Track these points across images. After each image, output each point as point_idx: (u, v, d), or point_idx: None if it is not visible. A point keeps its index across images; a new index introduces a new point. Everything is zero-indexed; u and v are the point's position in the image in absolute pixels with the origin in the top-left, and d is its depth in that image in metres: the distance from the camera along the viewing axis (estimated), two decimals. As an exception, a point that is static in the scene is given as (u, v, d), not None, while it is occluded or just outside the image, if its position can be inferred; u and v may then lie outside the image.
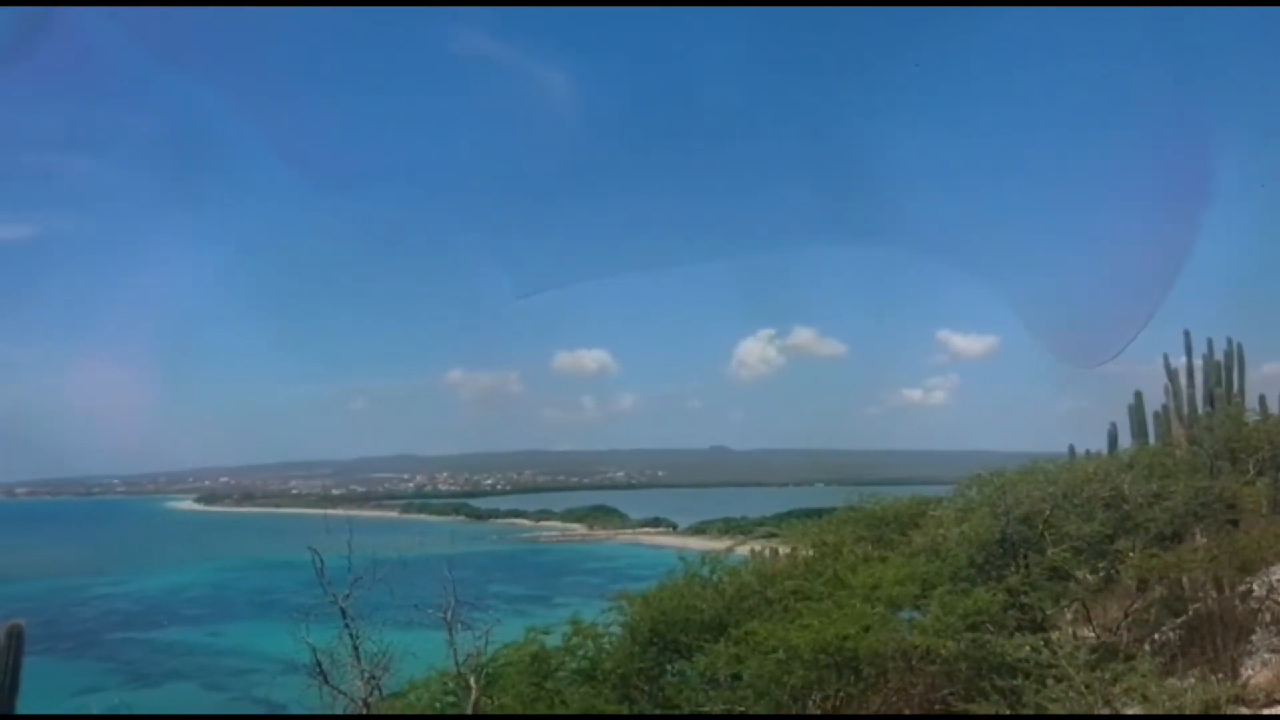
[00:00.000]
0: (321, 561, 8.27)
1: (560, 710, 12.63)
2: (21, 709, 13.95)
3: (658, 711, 13.37)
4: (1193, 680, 11.69)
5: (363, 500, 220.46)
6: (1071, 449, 26.22)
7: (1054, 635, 12.51)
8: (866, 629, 11.98)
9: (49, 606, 73.26)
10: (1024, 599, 13.67)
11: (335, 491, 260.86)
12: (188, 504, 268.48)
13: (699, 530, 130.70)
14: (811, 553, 17.36)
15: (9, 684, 12.51)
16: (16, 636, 12.68)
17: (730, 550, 17.41)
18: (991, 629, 12.32)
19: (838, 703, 12.46)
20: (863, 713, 12.36)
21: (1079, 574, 14.87)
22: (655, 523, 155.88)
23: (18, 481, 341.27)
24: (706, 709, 12.88)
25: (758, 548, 24.26)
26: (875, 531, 17.83)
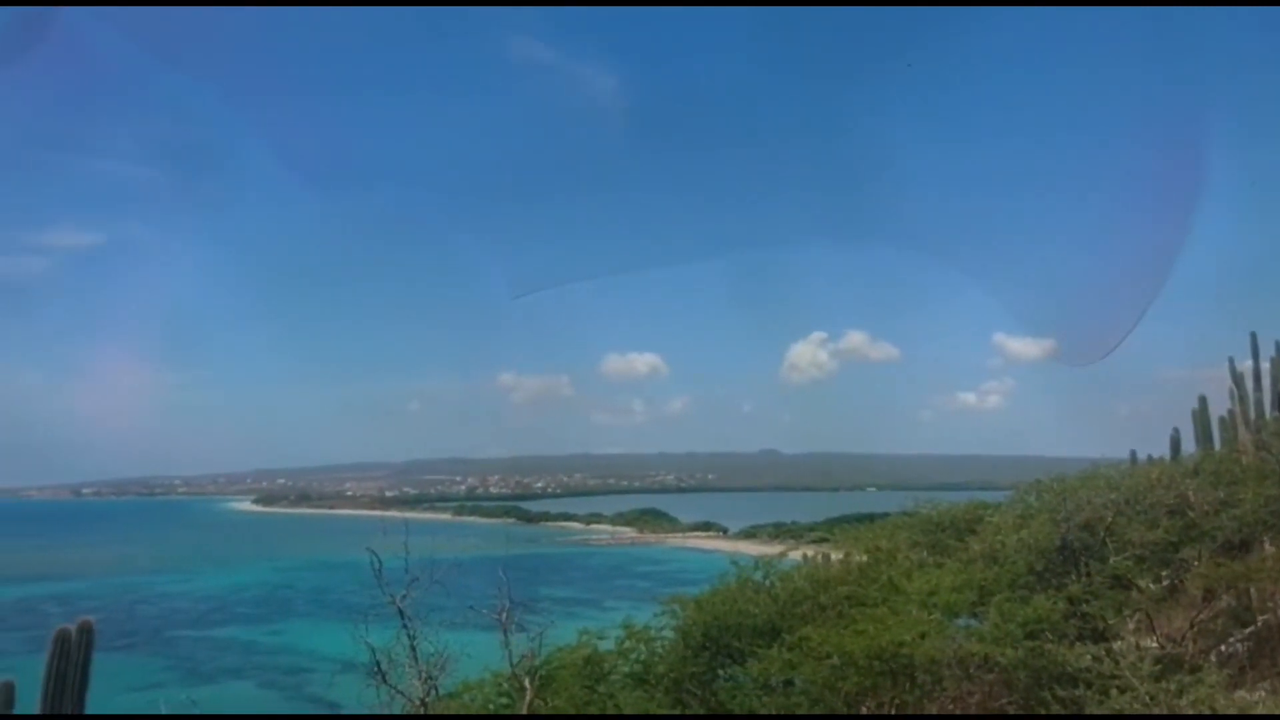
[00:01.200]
0: (379, 562, 8.37)
1: (613, 713, 12.64)
2: (89, 703, 14.37)
3: (709, 715, 13.33)
4: (1262, 693, 11.37)
5: (415, 502, 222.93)
6: (1133, 454, 25.62)
7: (1116, 645, 12.25)
8: (923, 636, 11.82)
9: (114, 604, 75.33)
10: (1085, 608, 13.40)
11: (388, 493, 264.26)
12: (246, 505, 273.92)
13: (749, 534, 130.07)
14: (865, 558, 17.18)
15: (80, 679, 12.88)
16: (87, 633, 13.05)
17: (783, 555, 17.25)
18: (1051, 638, 12.09)
19: (892, 710, 12.32)
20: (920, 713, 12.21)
21: (1142, 583, 14.56)
22: (705, 526, 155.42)
23: (84, 482, 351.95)
24: (760, 714, 12.82)
25: (810, 553, 24.10)
26: (930, 537, 17.62)
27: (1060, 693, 11.10)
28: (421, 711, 8.10)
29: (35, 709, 13.23)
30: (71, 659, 12.79)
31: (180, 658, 61.02)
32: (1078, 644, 12.17)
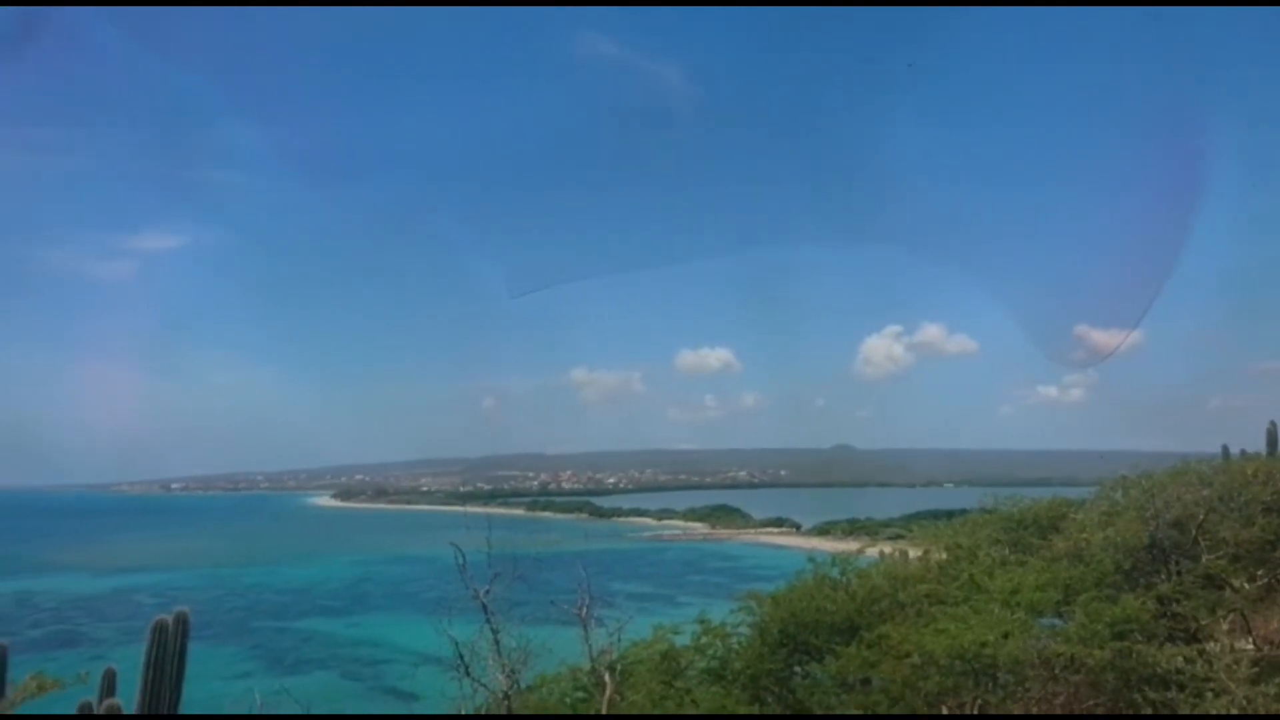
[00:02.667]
0: (463, 557, 8.52)
1: (690, 709, 12.65)
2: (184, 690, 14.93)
3: (787, 713, 13.27)
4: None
5: (489, 498, 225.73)
6: (1225, 449, 24.69)
7: (1210, 647, 11.81)
8: (1006, 635, 11.59)
9: (202, 595, 77.86)
10: (1176, 608, 13.01)
11: (463, 489, 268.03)
12: (325, 500, 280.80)
13: (823, 531, 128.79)
14: (945, 556, 16.91)
15: (177, 666, 13.36)
16: (183, 623, 13.53)
17: (861, 552, 17.08)
18: (1140, 638, 11.75)
19: (975, 710, 12.11)
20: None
21: (1236, 582, 14.05)
22: (778, 523, 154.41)
23: (173, 477, 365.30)
24: (838, 712, 12.72)
25: (887, 550, 23.78)
26: (1012, 535, 17.26)
27: (1151, 695, 10.78)
28: (506, 705, 8.22)
29: (134, 695, 13.79)
30: (168, 648, 13.28)
31: (266, 648, 62.83)
32: (1168, 645, 11.82)
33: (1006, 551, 16.48)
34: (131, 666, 15.28)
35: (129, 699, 14.25)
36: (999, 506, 18.85)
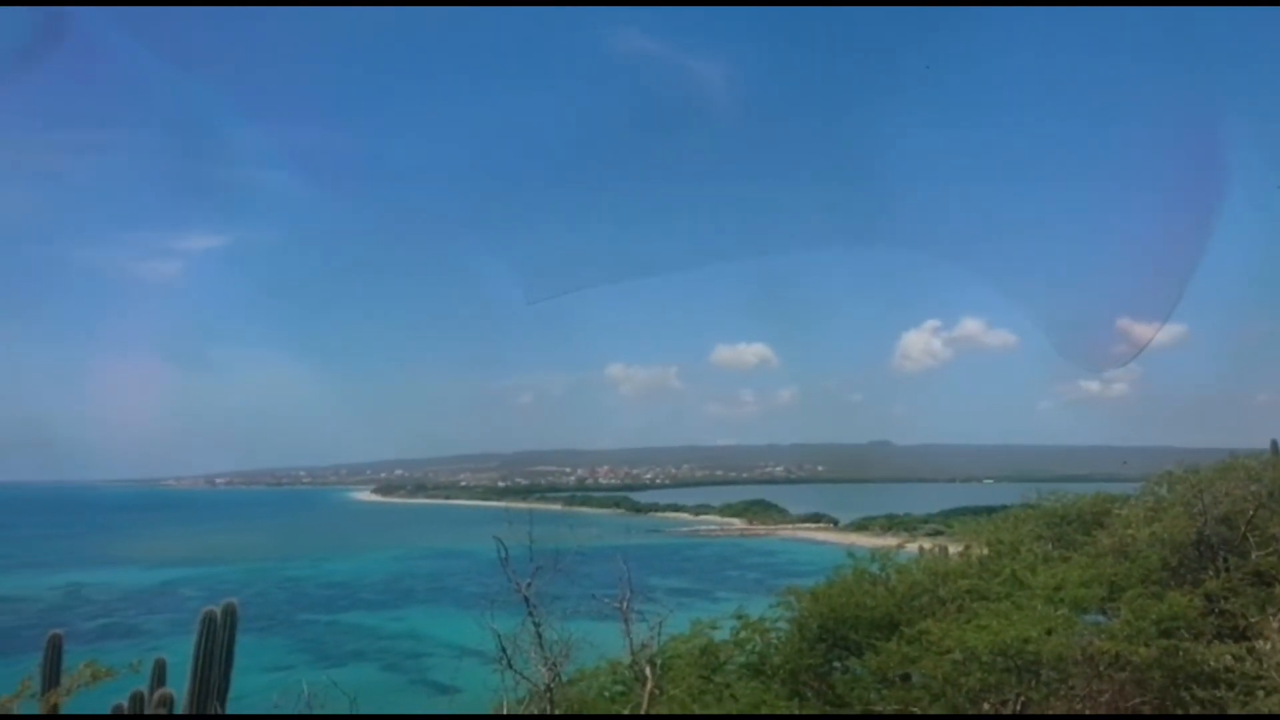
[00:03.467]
0: (505, 551, 8.62)
1: (729, 704, 12.67)
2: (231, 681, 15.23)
3: (827, 709, 13.23)
4: None
5: (526, 493, 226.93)
6: (1274, 444, 24.16)
7: (1259, 645, 11.61)
8: (1049, 632, 11.46)
9: (247, 588, 79.06)
10: (1224, 605, 12.79)
11: (501, 484, 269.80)
12: (366, 495, 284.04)
13: (861, 526, 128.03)
14: (986, 551, 16.75)
15: (225, 656, 13.65)
16: (231, 615, 13.81)
17: (900, 547, 16.98)
18: (1188, 636, 11.57)
19: (1017, 707, 12.00)
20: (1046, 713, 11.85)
21: (1287, 579, 13.76)
22: (815, 518, 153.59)
23: (217, 472, 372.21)
24: (878, 708, 12.67)
25: (926, 545, 23.60)
26: (1055, 530, 17.06)
27: (1199, 693, 10.62)
28: (547, 697, 8.30)
29: (184, 685, 14.10)
30: (217, 639, 13.56)
31: (309, 640, 63.72)
32: (1216, 643, 11.63)
33: (1049, 547, 16.30)
34: (181, 657, 15.63)
35: (179, 688, 14.58)
36: (1041, 502, 18.62)
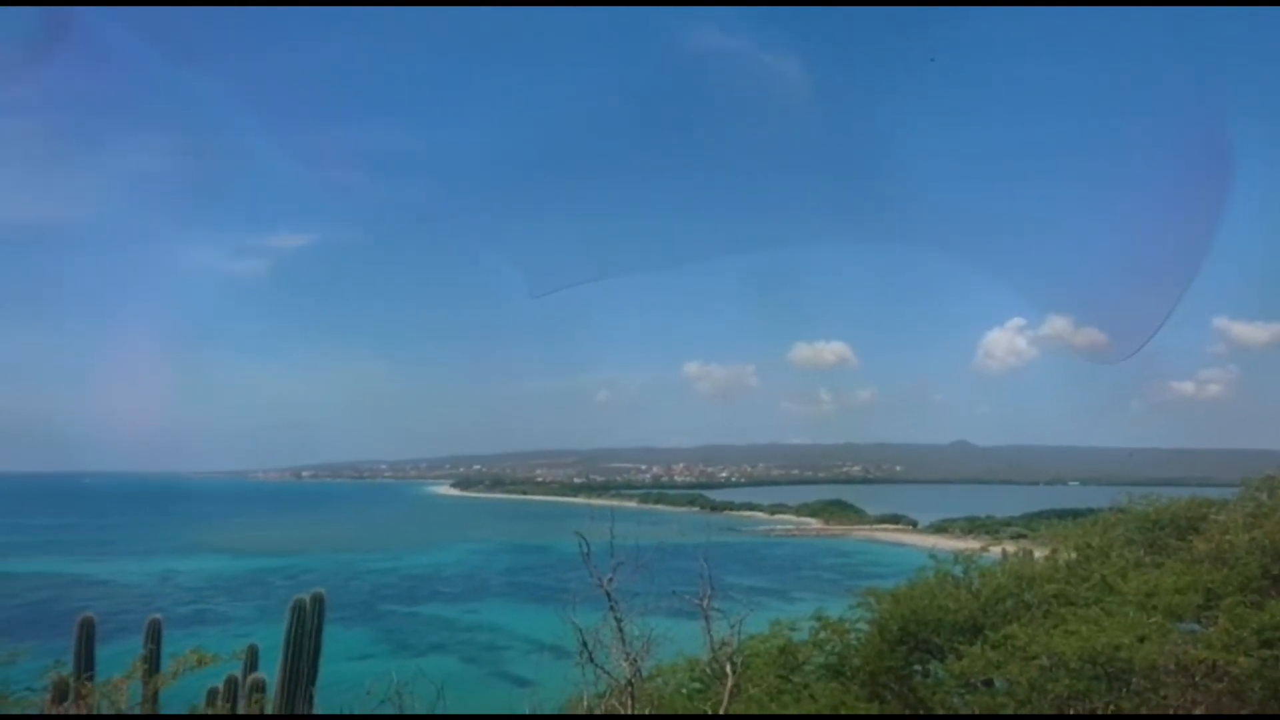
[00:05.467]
0: (588, 546, 8.73)
1: (808, 704, 12.60)
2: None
3: (908, 713, 13.06)
4: None
5: (602, 489, 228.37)
6: (1386, 448, 23.02)
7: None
8: (1141, 639, 11.10)
9: (330, 578, 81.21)
10: (1330, 616, 12.21)
11: (577, 480, 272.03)
12: (445, 489, 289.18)
13: (940, 528, 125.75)
14: (1074, 555, 16.30)
15: (314, 643, 14.10)
16: (319, 603, 14.25)
17: (984, 550, 16.64)
18: (1290, 647, 11.10)
19: (1106, 716, 11.67)
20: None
21: (1399, 591, 13.10)
22: (893, 519, 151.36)
23: (303, 465, 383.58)
24: (961, 713, 12.45)
25: (1010, 549, 23.09)
26: (1147, 535, 16.50)
27: (1302, 706, 10.19)
28: (629, 692, 8.37)
29: (275, 671, 14.61)
30: (307, 626, 14.02)
31: (389, 631, 65.12)
32: (1322, 655, 11.14)
33: (1141, 553, 15.77)
34: (269, 643, 16.18)
35: (270, 673, 15.10)
36: (1133, 506, 18.03)
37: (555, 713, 10.69)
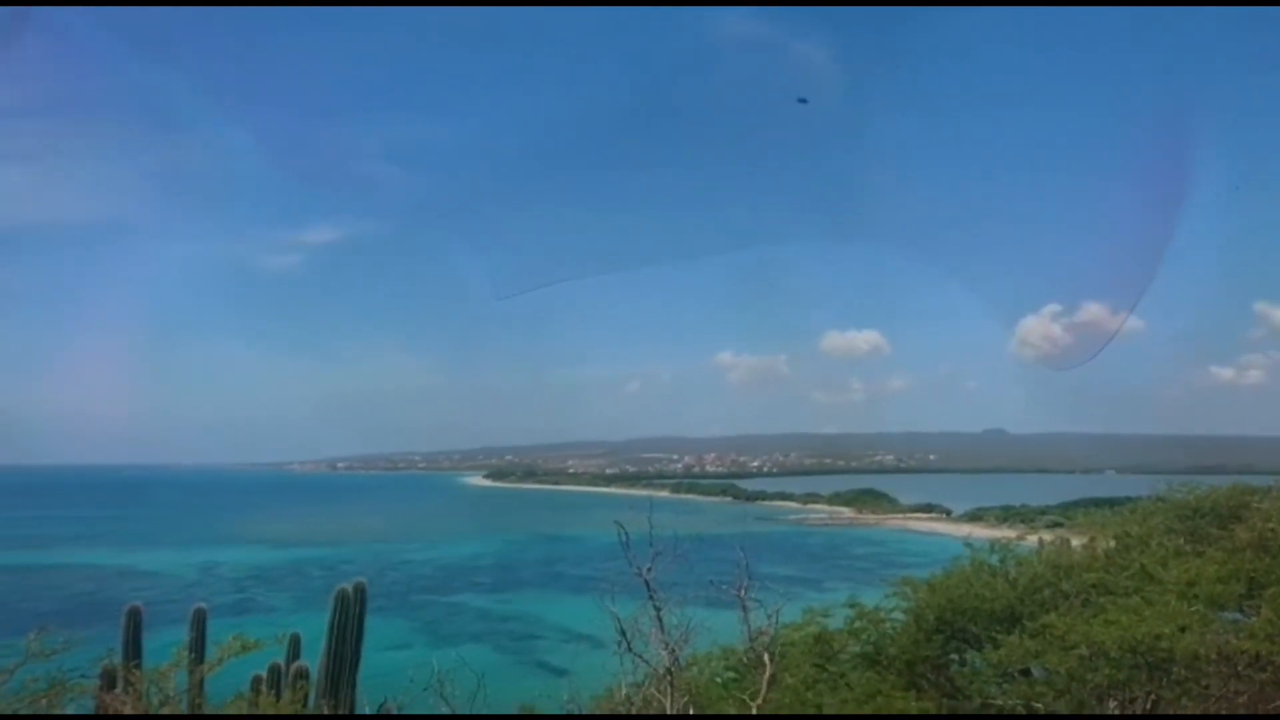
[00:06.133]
0: (627, 536, 8.79)
1: (844, 693, 12.61)
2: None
3: (945, 701, 13.02)
4: None
5: (634, 480, 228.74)
6: None
7: None
8: (1183, 629, 10.99)
9: (366, 569, 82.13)
10: (1376, 604, 12.02)
11: (609, 471, 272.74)
12: (477, 479, 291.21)
13: (975, 517, 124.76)
14: (1112, 544, 16.15)
15: (356, 632, 14.33)
16: (361, 593, 14.48)
17: (1021, 539, 16.53)
18: (1336, 637, 10.94)
19: (1147, 706, 11.58)
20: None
21: None
22: (927, 508, 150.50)
23: (338, 457, 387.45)
24: (998, 702, 12.41)
25: (1047, 538, 22.92)
26: (1188, 524, 16.29)
27: (1348, 697, 10.06)
28: (668, 680, 8.45)
29: (318, 659, 14.86)
30: (349, 615, 14.26)
31: (425, 620, 65.78)
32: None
33: (1181, 541, 15.58)
34: (309, 632, 16.44)
35: (311, 662, 15.35)
36: (1173, 494, 17.79)
37: (595, 698, 10.80)
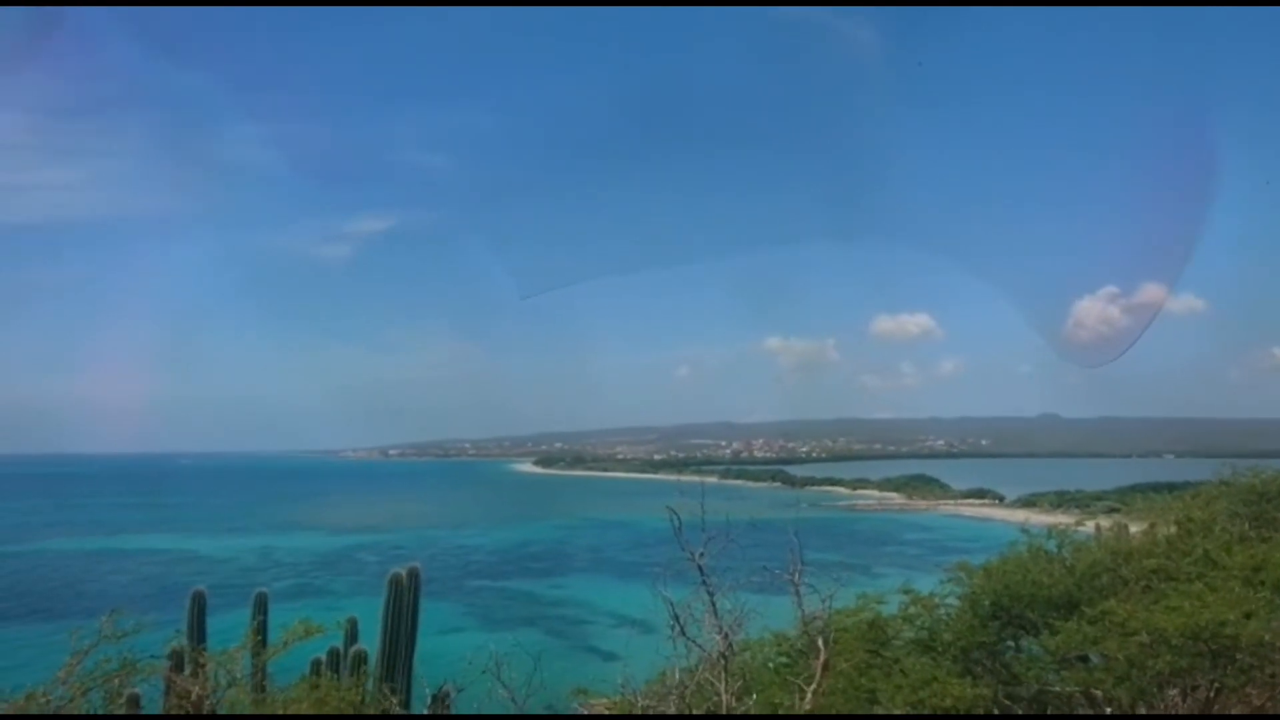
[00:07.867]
0: (679, 522, 8.81)
1: (898, 678, 12.51)
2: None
3: (1001, 688, 12.88)
4: None
5: (682, 466, 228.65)
6: None
7: None
8: (1248, 615, 10.77)
9: (419, 554, 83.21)
10: None
11: (657, 457, 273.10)
12: (527, 466, 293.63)
13: (1028, 503, 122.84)
14: (1174, 530, 15.84)
15: (411, 616, 14.56)
16: (415, 578, 14.70)
17: (1079, 524, 16.29)
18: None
19: (1210, 693, 11.37)
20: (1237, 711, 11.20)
21: None
22: (979, 494, 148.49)
23: (391, 444, 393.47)
24: (1056, 689, 12.27)
25: (1104, 523, 22.54)
26: (1253, 508, 15.94)
27: None
28: (722, 664, 8.48)
29: (375, 642, 15.14)
30: (404, 599, 14.49)
31: (477, 605, 66.53)
32: None
33: (1246, 526, 15.26)
34: (366, 616, 16.75)
35: (370, 645, 15.65)
36: (1237, 478, 17.39)
37: (648, 682, 10.85)
